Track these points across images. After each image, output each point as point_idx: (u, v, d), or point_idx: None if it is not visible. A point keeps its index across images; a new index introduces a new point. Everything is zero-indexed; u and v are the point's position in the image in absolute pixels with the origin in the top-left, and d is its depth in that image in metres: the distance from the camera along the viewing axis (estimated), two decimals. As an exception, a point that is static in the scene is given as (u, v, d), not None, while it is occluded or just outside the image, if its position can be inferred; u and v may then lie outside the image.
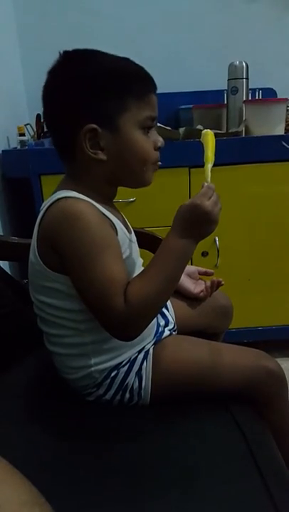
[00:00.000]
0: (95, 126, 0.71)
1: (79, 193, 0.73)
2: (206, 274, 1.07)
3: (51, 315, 0.79)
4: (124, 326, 0.70)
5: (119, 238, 0.77)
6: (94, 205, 0.73)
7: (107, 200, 0.80)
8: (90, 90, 0.71)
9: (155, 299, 0.71)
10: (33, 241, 0.77)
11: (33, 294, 0.82)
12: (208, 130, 0.80)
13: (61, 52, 0.74)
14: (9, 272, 1.25)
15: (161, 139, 0.78)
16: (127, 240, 0.80)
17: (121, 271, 0.71)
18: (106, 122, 0.72)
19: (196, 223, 0.72)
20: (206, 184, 0.74)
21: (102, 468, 0.68)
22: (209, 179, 0.75)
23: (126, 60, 0.75)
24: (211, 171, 0.76)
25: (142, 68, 0.75)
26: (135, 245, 0.87)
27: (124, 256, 0.77)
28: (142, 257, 0.91)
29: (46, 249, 0.75)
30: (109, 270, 0.69)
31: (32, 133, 1.82)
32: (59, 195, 0.73)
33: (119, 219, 0.80)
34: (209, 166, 0.77)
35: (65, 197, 0.72)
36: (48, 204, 0.74)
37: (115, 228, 0.76)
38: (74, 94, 0.72)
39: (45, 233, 0.74)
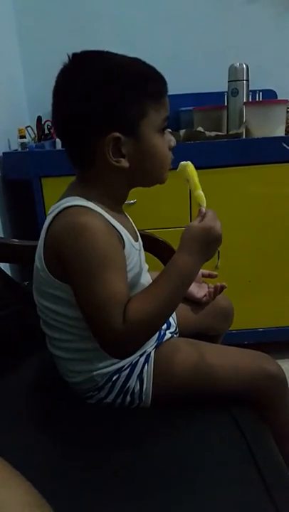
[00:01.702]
0: (118, 134, 0.70)
1: (88, 199, 0.73)
2: (209, 276, 1.07)
3: (54, 320, 0.79)
4: (119, 345, 0.69)
5: (126, 250, 0.76)
6: (102, 216, 0.72)
7: (118, 205, 0.79)
8: (110, 97, 0.70)
9: (155, 319, 0.70)
10: (39, 247, 0.77)
11: (37, 298, 0.81)
12: (185, 162, 0.82)
13: (70, 55, 0.73)
14: (10, 274, 1.25)
15: (173, 139, 0.79)
16: (133, 249, 0.80)
17: (122, 289, 0.70)
18: (128, 129, 0.71)
19: (208, 245, 0.74)
20: (206, 209, 0.76)
21: (103, 469, 0.68)
22: (205, 204, 0.78)
23: (138, 61, 0.74)
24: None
25: (154, 69, 0.75)
26: (142, 253, 0.87)
27: (130, 266, 0.77)
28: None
29: (52, 258, 0.74)
30: (111, 288, 0.68)
31: (33, 135, 1.82)
32: (67, 202, 0.72)
33: (127, 226, 0.79)
34: (201, 192, 0.79)
35: (74, 205, 0.72)
36: (57, 211, 0.73)
37: (123, 240, 0.76)
38: (94, 101, 0.70)
39: (51, 242, 0.74)
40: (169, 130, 1.63)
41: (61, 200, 0.75)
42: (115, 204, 0.77)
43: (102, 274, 0.68)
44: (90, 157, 0.73)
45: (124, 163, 0.73)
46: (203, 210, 0.77)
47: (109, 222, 0.73)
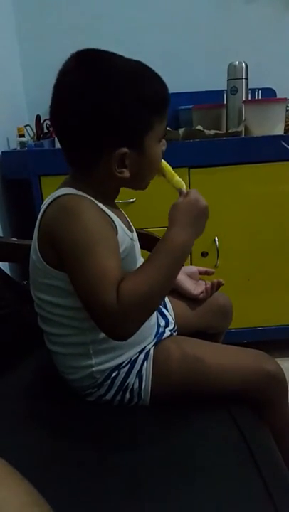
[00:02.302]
0: (126, 150, 0.72)
1: (79, 190, 0.73)
2: (206, 273, 1.07)
3: (52, 313, 0.79)
4: (115, 323, 0.68)
5: (119, 236, 0.76)
6: (94, 202, 0.73)
7: (109, 199, 0.80)
8: (121, 113, 0.70)
9: (151, 299, 0.70)
10: (34, 239, 0.78)
11: (33, 292, 0.82)
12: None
13: (74, 54, 0.72)
14: (9, 273, 1.25)
15: (165, 142, 0.80)
16: (127, 238, 0.80)
17: (115, 267, 0.69)
18: (135, 144, 0.73)
19: (197, 217, 0.75)
20: (187, 190, 0.79)
21: (102, 468, 0.68)
22: (185, 188, 0.81)
23: (144, 69, 0.74)
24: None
25: (159, 79, 0.75)
26: (137, 244, 0.87)
27: (123, 255, 0.77)
28: (142, 257, 0.91)
29: (46, 246, 0.75)
30: (102, 265, 0.68)
31: (32, 134, 1.82)
32: (59, 192, 0.74)
33: (120, 217, 0.80)
34: (177, 177, 0.83)
35: (65, 194, 0.73)
36: (49, 202, 0.74)
37: (115, 226, 0.76)
38: (103, 116, 0.70)
39: (45, 230, 0.75)
40: (168, 129, 1.63)
41: (53, 193, 0.76)
42: (106, 199, 0.78)
43: (92, 252, 0.68)
44: (92, 165, 0.74)
45: (126, 173, 0.74)
46: (185, 190, 0.79)
47: (101, 209, 0.74)
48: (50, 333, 0.82)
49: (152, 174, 0.80)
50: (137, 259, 0.86)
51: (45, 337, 0.85)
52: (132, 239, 0.83)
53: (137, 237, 0.87)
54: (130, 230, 0.84)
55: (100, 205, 0.74)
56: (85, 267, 0.68)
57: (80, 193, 0.73)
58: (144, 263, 0.73)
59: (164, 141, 0.79)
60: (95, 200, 0.73)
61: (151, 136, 0.74)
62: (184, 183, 0.82)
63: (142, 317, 0.70)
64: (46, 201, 0.75)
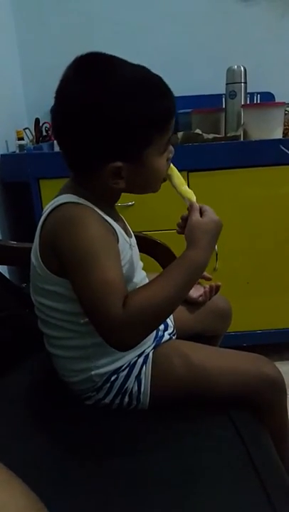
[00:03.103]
0: (121, 164, 0.70)
1: (80, 197, 0.73)
2: (204, 277, 1.07)
3: (52, 317, 0.79)
4: (119, 334, 0.68)
5: (120, 244, 0.76)
6: (95, 211, 0.73)
7: (110, 205, 0.80)
8: (119, 125, 0.68)
9: (158, 311, 0.70)
10: (35, 244, 0.78)
11: (34, 296, 0.82)
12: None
13: (75, 59, 0.70)
14: (8, 276, 1.25)
15: (172, 150, 0.78)
16: (127, 245, 0.80)
17: (118, 277, 0.70)
18: (131, 158, 0.71)
19: (215, 237, 0.77)
20: (200, 204, 0.79)
21: (102, 472, 0.68)
22: (195, 198, 0.80)
23: (150, 78, 0.71)
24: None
25: (167, 91, 0.72)
26: (135, 249, 0.87)
27: (124, 261, 0.77)
28: (141, 260, 0.91)
29: (48, 253, 0.75)
30: (106, 275, 0.68)
31: (31, 137, 1.83)
32: (61, 200, 0.73)
33: (120, 224, 0.80)
34: (186, 187, 0.82)
35: (67, 202, 0.73)
36: (50, 209, 0.74)
37: (116, 235, 0.76)
38: (102, 126, 0.68)
39: (46, 237, 0.74)
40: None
41: (55, 199, 0.76)
42: (107, 204, 0.78)
43: (97, 262, 0.68)
44: (88, 171, 0.74)
45: (122, 184, 0.73)
46: (197, 204, 0.79)
47: (102, 217, 0.74)
48: (50, 336, 0.82)
49: (158, 182, 0.78)
50: (136, 265, 0.86)
51: (45, 340, 0.85)
52: (131, 245, 0.83)
53: (135, 242, 0.87)
54: (129, 235, 0.84)
55: (101, 213, 0.74)
56: (88, 278, 0.68)
57: (82, 200, 0.73)
58: (158, 276, 0.73)
59: (170, 148, 0.78)
60: (96, 208, 0.73)
61: (151, 152, 0.72)
62: (193, 195, 0.81)
63: (146, 331, 0.71)
64: (48, 208, 0.75)
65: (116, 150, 0.70)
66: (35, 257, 0.78)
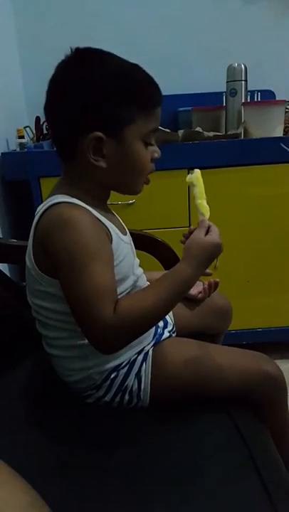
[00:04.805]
0: (101, 134, 0.71)
1: (73, 196, 0.73)
2: (204, 274, 1.07)
3: (49, 318, 0.79)
4: (106, 337, 0.69)
5: (114, 244, 0.76)
6: (89, 211, 0.73)
7: (102, 203, 0.80)
8: (101, 97, 0.71)
9: (145, 318, 0.71)
10: (29, 246, 0.78)
11: (30, 298, 0.82)
12: (198, 170, 0.84)
13: (73, 49, 0.73)
14: (8, 275, 1.25)
15: (158, 151, 0.79)
16: (122, 242, 0.80)
17: (109, 281, 0.70)
18: (112, 131, 0.72)
19: (211, 259, 0.77)
20: (209, 223, 0.79)
21: (102, 470, 0.68)
22: (208, 215, 0.81)
23: (137, 68, 0.75)
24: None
25: (152, 79, 0.75)
26: (131, 246, 0.87)
27: (119, 259, 0.77)
28: (139, 258, 0.91)
29: (40, 254, 0.75)
30: (97, 279, 0.68)
31: (31, 135, 1.82)
32: (54, 200, 0.73)
33: (114, 221, 0.80)
34: (205, 202, 0.82)
35: (60, 202, 0.73)
36: (43, 209, 0.74)
37: (110, 234, 0.76)
38: (84, 97, 0.71)
39: (39, 238, 0.74)
40: (168, 130, 1.63)
41: (47, 199, 0.76)
42: (99, 202, 0.78)
43: (88, 266, 0.68)
44: (71, 151, 0.74)
45: (102, 163, 0.74)
46: (207, 222, 0.79)
47: (96, 217, 0.74)
48: (48, 337, 0.82)
49: (136, 176, 0.78)
50: (133, 261, 0.86)
51: (43, 340, 0.85)
52: (126, 242, 0.83)
53: (130, 239, 0.88)
54: (124, 232, 0.84)
55: (95, 212, 0.74)
56: (79, 282, 0.68)
57: (74, 200, 0.73)
58: (148, 286, 0.74)
59: (156, 148, 0.78)
60: (89, 207, 0.73)
61: (133, 130, 0.73)
62: (208, 211, 0.82)
63: (131, 336, 0.72)
64: (41, 208, 0.75)
65: (96, 118, 0.71)
66: (28, 259, 0.78)
